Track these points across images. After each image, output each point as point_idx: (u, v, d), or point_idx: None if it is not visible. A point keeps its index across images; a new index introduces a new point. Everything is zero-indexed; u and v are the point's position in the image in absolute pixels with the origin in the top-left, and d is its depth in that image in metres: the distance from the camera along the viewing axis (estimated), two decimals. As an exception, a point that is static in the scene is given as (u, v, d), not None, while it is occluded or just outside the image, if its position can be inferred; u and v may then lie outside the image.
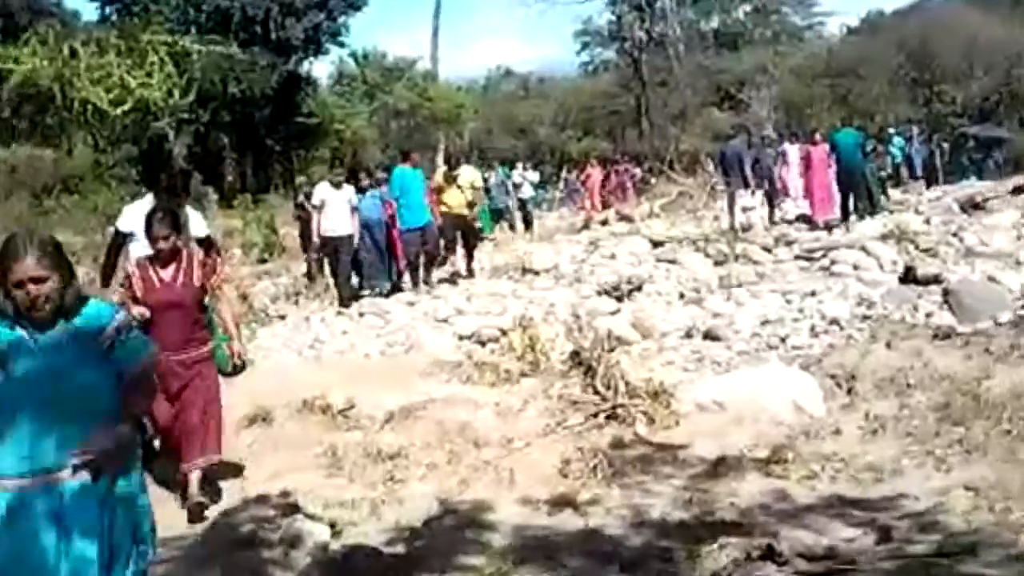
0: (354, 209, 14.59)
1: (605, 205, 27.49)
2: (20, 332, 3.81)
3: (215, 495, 6.86)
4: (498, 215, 24.12)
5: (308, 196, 17.26)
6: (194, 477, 6.62)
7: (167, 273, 6.64)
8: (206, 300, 6.82)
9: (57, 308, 3.82)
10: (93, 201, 23.62)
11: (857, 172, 19.05)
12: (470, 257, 16.60)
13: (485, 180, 24.30)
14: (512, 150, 43.76)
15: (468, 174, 16.70)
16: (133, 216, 7.86)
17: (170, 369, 6.42)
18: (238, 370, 7.17)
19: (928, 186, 26.21)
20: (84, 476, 3.73)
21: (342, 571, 5.51)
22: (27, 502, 3.70)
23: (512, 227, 25.97)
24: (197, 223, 8.32)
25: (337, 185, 14.74)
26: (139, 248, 7.39)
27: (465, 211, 16.04)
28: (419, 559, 5.65)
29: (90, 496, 3.75)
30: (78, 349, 3.85)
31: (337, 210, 14.44)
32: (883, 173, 25.05)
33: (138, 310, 6.37)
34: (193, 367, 6.66)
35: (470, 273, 16.18)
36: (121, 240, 8.17)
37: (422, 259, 15.24)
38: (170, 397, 6.52)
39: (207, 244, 8.26)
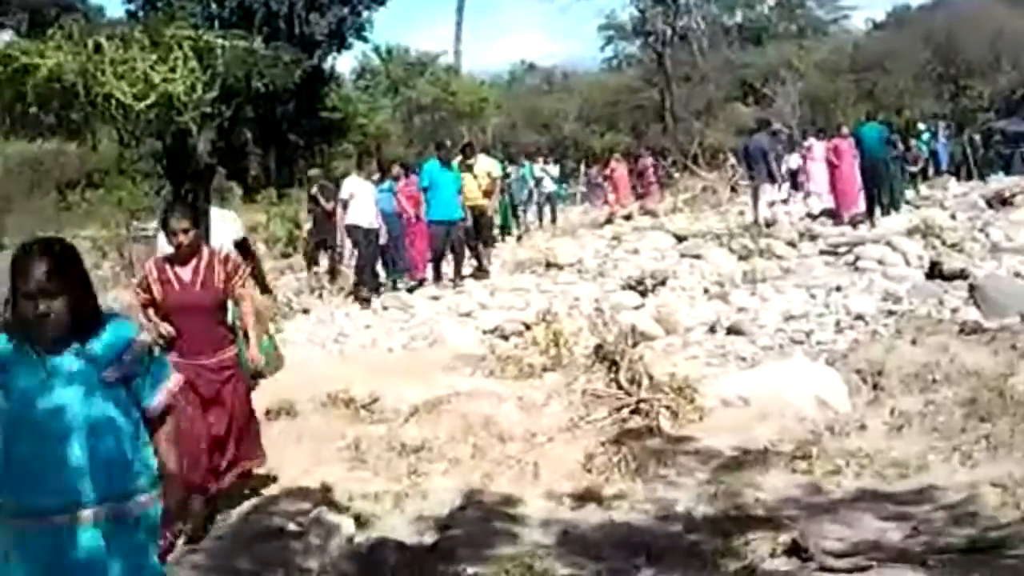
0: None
1: (641, 196, 27.25)
2: (26, 349, 3.42)
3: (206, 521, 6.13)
4: (515, 209, 23.99)
5: (323, 189, 17.30)
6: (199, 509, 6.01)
7: (186, 273, 6.16)
8: (228, 303, 6.38)
9: (71, 327, 3.42)
10: (117, 196, 23.75)
11: (881, 166, 18.94)
12: (485, 250, 16.42)
13: (507, 175, 24.25)
14: (535, 145, 43.63)
15: (484, 163, 16.61)
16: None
17: (196, 374, 5.99)
18: (258, 376, 6.84)
19: (962, 181, 25.87)
20: (92, 527, 3.39)
21: (367, 563, 5.52)
22: (24, 544, 3.42)
23: (533, 221, 25.90)
24: (231, 225, 8.06)
25: (367, 178, 15.08)
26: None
27: (481, 201, 15.89)
28: (444, 552, 5.66)
29: (96, 554, 3.41)
30: (91, 377, 3.44)
31: (366, 203, 14.57)
32: (914, 168, 24.93)
33: (164, 328, 6.05)
34: (221, 372, 6.22)
35: (482, 270, 15.91)
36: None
37: (448, 255, 15.22)
38: (201, 404, 6.10)
39: (243, 248, 7.83)
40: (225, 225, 7.94)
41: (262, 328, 6.76)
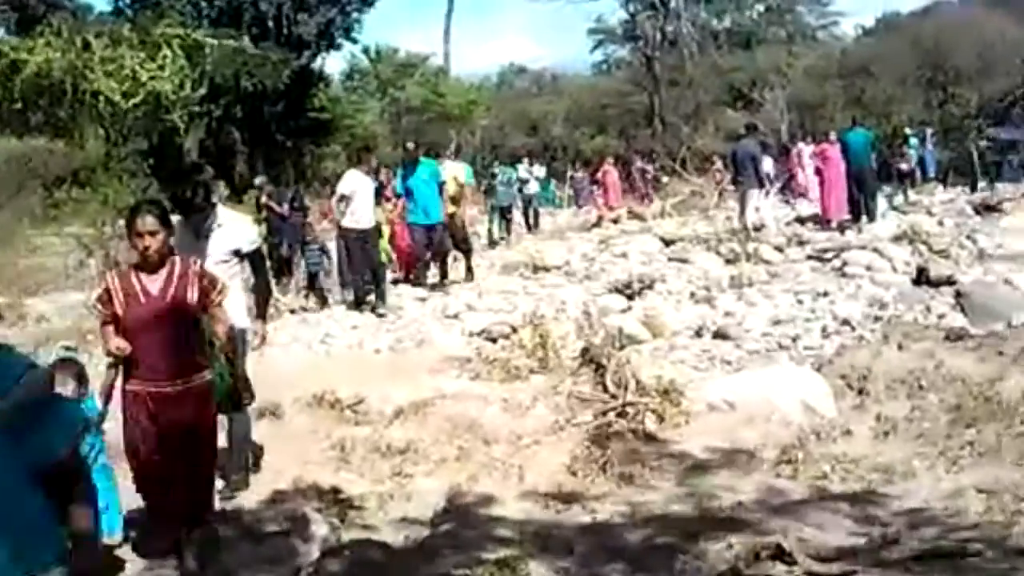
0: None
1: (642, 199, 27.19)
2: None
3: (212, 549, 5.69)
4: (501, 212, 23.72)
5: (273, 195, 17.36)
6: (189, 544, 5.44)
7: (154, 284, 5.31)
8: (203, 320, 5.45)
9: None
10: (104, 194, 23.68)
11: (868, 172, 18.98)
12: (466, 258, 15.88)
13: (492, 177, 24.09)
14: (524, 147, 43.66)
15: (451, 169, 16.13)
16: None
17: (156, 402, 5.28)
18: (240, 406, 6.12)
19: (973, 189, 25.80)
20: None
21: (350, 564, 5.49)
22: None
23: (520, 224, 25.78)
24: (245, 230, 6.90)
25: (367, 173, 13.82)
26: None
27: (450, 208, 15.13)
28: (428, 553, 5.64)
29: None
30: None
31: (366, 202, 13.49)
32: (903, 166, 25.01)
33: (117, 342, 5.25)
34: (186, 401, 5.33)
35: (470, 274, 15.49)
36: None
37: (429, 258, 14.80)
38: (155, 436, 5.30)
39: (256, 261, 6.88)
40: (237, 229, 6.76)
41: (233, 347, 5.80)
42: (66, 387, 5.43)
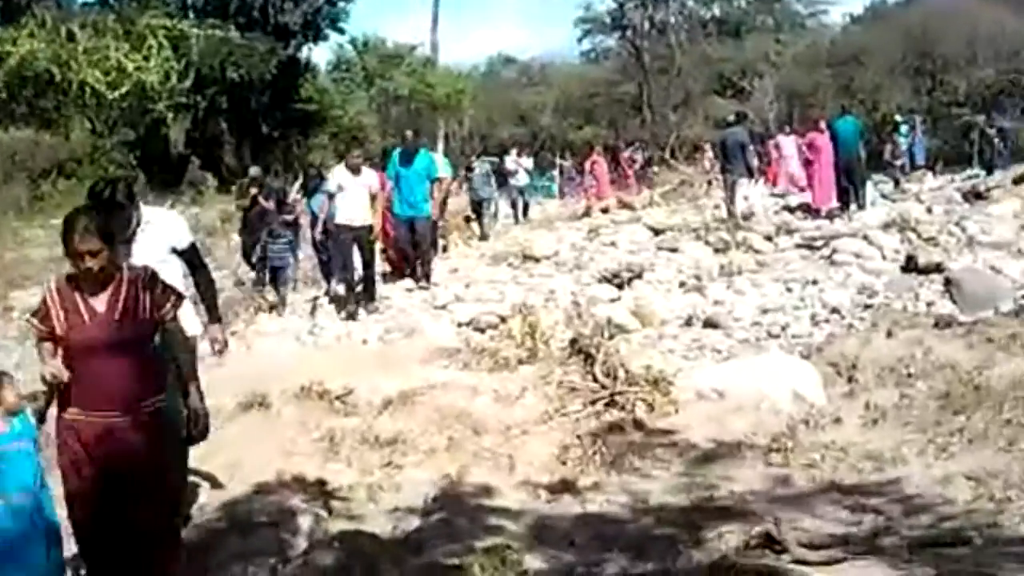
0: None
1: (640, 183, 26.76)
2: None
3: None
4: (477, 207, 23.04)
5: (263, 188, 16.04)
6: None
7: (100, 301, 4.60)
8: (155, 339, 4.77)
9: None
10: (90, 185, 23.67)
11: (856, 160, 18.98)
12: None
13: (469, 170, 23.64)
14: (512, 138, 43.57)
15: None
16: None
17: (100, 436, 4.55)
18: (196, 438, 5.16)
19: (989, 172, 25.60)
20: None
21: (340, 556, 5.47)
22: None
23: (506, 216, 25.53)
24: (173, 229, 6.25)
25: (355, 169, 12.81)
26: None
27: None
28: (418, 543, 5.63)
29: None
30: None
31: (355, 197, 12.66)
32: (899, 162, 25.02)
33: (51, 367, 4.53)
34: (138, 433, 4.59)
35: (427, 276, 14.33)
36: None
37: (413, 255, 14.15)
38: (99, 479, 4.57)
39: (191, 259, 6.25)
40: (167, 225, 6.25)
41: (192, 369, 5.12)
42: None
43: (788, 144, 22.83)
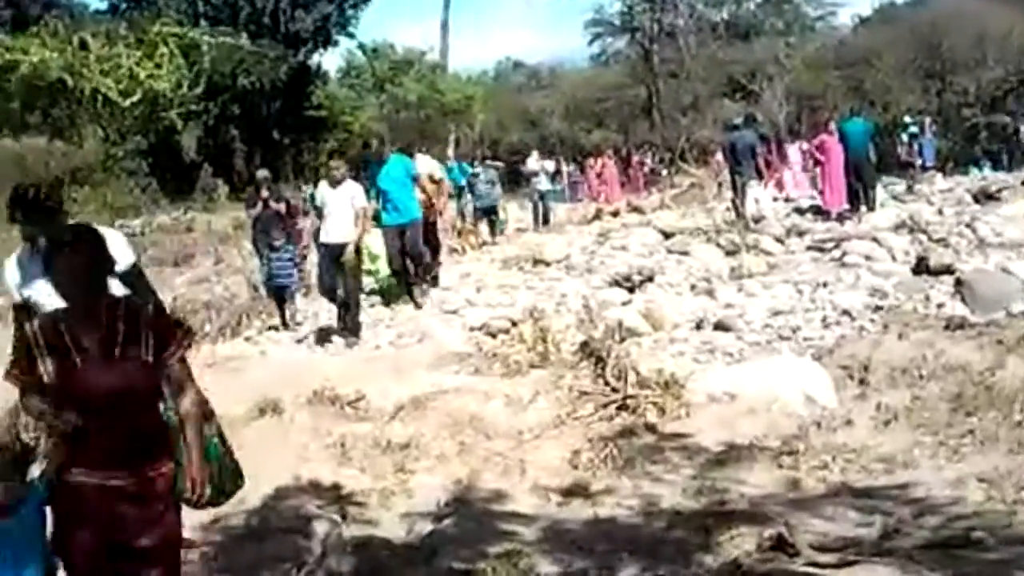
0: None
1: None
2: None
3: None
4: (485, 213, 22.79)
5: (271, 190, 15.26)
6: None
7: (92, 338, 3.78)
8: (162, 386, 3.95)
9: None
10: (102, 193, 23.73)
11: (866, 162, 18.95)
12: (434, 258, 14.40)
13: (474, 176, 23.44)
14: (522, 143, 43.65)
15: (423, 165, 14.75)
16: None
17: (106, 502, 3.80)
18: (203, 504, 4.13)
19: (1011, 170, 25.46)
20: None
21: (354, 561, 5.50)
22: None
23: (521, 221, 25.39)
24: (111, 245, 4.50)
25: (337, 182, 11.68)
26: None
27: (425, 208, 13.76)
28: (430, 548, 5.64)
29: None
30: None
31: (336, 213, 11.56)
32: (919, 161, 24.98)
33: (64, 416, 3.74)
34: (143, 502, 3.86)
35: (433, 281, 14.05)
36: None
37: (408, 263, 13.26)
38: (100, 550, 3.85)
39: (135, 283, 5.20)
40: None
41: (199, 424, 4.05)
42: None
43: (793, 151, 22.92)
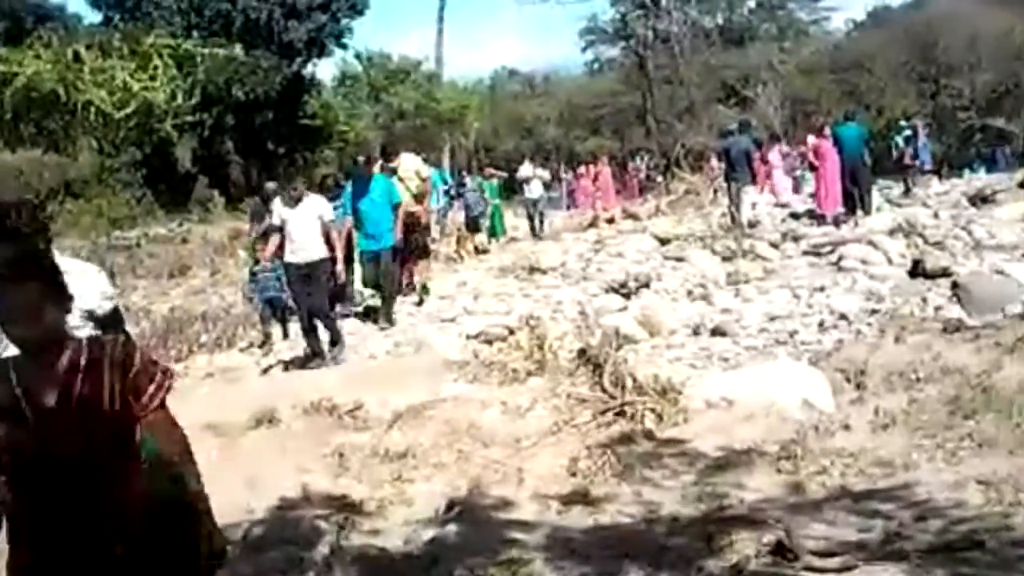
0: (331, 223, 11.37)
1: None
2: None
3: None
4: (475, 223, 22.38)
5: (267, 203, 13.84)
6: None
7: (45, 385, 3.04)
8: (138, 437, 3.16)
9: None
10: (97, 205, 23.64)
11: (861, 166, 18.99)
12: (424, 256, 14.41)
13: (462, 186, 23.35)
14: (518, 150, 43.73)
15: (409, 163, 14.50)
16: None
17: None
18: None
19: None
20: None
21: (354, 571, 5.49)
22: None
23: (514, 228, 25.41)
24: (95, 287, 4.47)
25: (295, 200, 11.18)
26: None
27: (413, 207, 13.66)
28: (431, 558, 5.62)
29: None
30: None
31: (300, 230, 11.06)
32: (918, 162, 25.00)
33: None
34: None
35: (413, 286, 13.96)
36: None
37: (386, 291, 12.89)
38: None
39: (113, 325, 4.45)
40: (83, 282, 4.11)
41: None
42: None
43: (773, 155, 23.05)
